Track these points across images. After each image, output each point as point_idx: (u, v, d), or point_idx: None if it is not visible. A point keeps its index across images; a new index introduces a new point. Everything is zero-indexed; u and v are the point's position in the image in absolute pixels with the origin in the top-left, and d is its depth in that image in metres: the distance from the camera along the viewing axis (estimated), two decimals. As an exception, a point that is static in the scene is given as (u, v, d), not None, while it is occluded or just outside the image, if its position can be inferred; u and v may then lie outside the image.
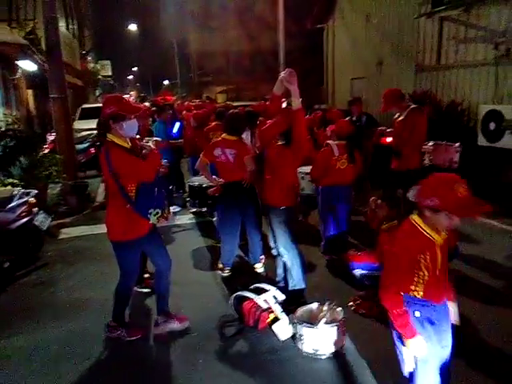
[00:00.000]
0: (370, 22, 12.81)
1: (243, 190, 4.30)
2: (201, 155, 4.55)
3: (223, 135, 4.47)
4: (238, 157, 4.29)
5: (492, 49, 7.90)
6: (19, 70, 11.42)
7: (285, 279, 3.99)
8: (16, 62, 10.42)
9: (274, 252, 4.02)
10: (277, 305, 3.49)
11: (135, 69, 55.78)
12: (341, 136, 4.76)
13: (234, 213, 4.38)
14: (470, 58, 8.69)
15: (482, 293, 4.01)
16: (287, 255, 3.83)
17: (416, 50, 10.51)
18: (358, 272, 3.99)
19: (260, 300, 3.52)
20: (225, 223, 4.52)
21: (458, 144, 4.91)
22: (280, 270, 4.04)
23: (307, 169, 5.20)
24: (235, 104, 11.00)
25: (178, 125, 7.44)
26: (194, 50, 32.29)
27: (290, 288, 3.91)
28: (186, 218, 6.61)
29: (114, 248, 3.33)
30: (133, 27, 36.79)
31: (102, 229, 6.09)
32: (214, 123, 6.33)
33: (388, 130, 5.54)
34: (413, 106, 5.15)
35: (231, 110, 4.76)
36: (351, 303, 3.79)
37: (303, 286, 3.92)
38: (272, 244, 4.01)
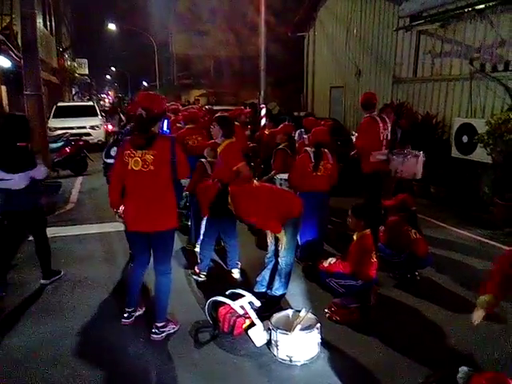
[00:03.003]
0: (350, 32, 13.04)
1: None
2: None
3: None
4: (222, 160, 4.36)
5: (467, 64, 8.15)
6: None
7: (267, 285, 4.01)
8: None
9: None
10: (252, 310, 3.47)
11: (113, 68, 55.04)
12: (312, 143, 4.84)
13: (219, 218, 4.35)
14: (445, 72, 8.95)
15: (453, 301, 4.10)
16: (288, 259, 3.84)
17: (394, 61, 10.76)
18: (330, 281, 4.02)
19: (236, 306, 3.49)
20: (210, 228, 4.51)
21: (421, 155, 5.01)
22: (267, 274, 4.03)
23: (285, 175, 5.24)
24: (215, 108, 10.99)
25: (165, 121, 7.37)
26: (176, 52, 32.12)
27: (274, 291, 3.93)
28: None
29: (167, 237, 3.42)
30: (112, 26, 36.30)
31: (73, 230, 6.06)
32: (186, 127, 6.22)
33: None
34: (366, 114, 5.27)
35: (218, 114, 4.80)
36: (326, 310, 3.81)
37: (285, 291, 3.98)
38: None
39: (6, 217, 4.17)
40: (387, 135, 5.20)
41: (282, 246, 3.74)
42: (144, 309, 3.81)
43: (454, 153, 7.66)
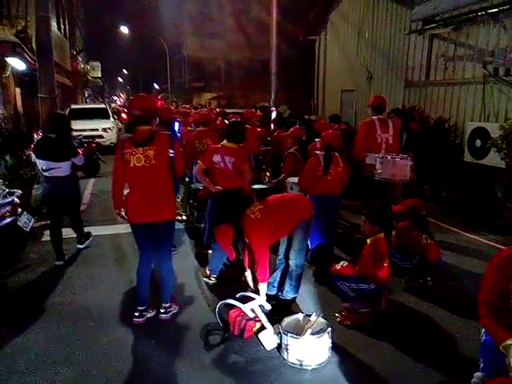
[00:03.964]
0: (361, 35, 13.01)
1: (240, 198, 4.32)
2: (198, 161, 4.56)
3: (223, 142, 4.53)
4: (235, 165, 4.40)
5: (480, 67, 8.08)
6: (8, 68, 11.27)
7: (278, 287, 4.00)
8: (6, 59, 10.29)
9: None
10: (263, 314, 3.47)
11: (125, 71, 55.54)
12: (323, 147, 4.83)
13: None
14: (458, 76, 8.88)
15: (466, 307, 4.03)
16: (299, 261, 3.87)
17: (406, 65, 10.70)
18: (342, 284, 4.00)
19: (246, 309, 3.49)
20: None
21: (408, 158, 4.93)
22: (278, 276, 4.03)
23: (295, 179, 5.23)
24: (227, 111, 11.04)
25: (177, 124, 7.42)
26: (187, 55, 32.31)
27: (285, 294, 3.94)
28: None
29: (170, 226, 3.70)
30: (125, 29, 36.67)
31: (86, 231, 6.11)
32: (197, 130, 6.22)
33: None
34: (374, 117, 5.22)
35: (233, 119, 4.84)
36: (337, 314, 3.80)
37: (297, 294, 3.99)
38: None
39: (50, 201, 4.99)
40: (388, 139, 5.12)
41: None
42: (155, 312, 3.84)
43: (467, 157, 7.58)
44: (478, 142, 7.31)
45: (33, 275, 4.78)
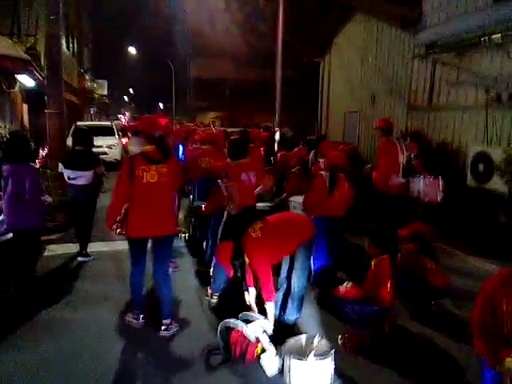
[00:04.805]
0: (365, 59, 13.20)
1: (254, 214, 4.37)
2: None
3: (230, 160, 4.61)
4: (258, 178, 4.61)
5: (483, 93, 8.15)
6: (17, 84, 11.44)
7: (280, 308, 3.96)
8: (15, 75, 10.45)
9: None
10: (265, 335, 3.42)
11: (131, 90, 56.26)
12: (328, 168, 4.85)
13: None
14: (461, 101, 8.96)
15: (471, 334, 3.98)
16: (301, 282, 3.84)
17: (409, 89, 10.82)
18: (345, 306, 3.96)
19: (248, 330, 3.45)
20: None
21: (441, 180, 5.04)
22: (280, 296, 3.98)
23: (299, 198, 5.24)
24: (230, 130, 11.13)
25: (181, 147, 7.55)
26: (192, 75, 32.77)
27: (287, 316, 3.89)
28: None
29: (171, 241, 3.92)
30: (131, 49, 37.31)
31: (88, 247, 6.09)
32: (203, 148, 6.27)
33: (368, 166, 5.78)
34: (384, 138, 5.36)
35: (232, 137, 4.93)
36: (339, 337, 3.75)
37: (298, 315, 3.95)
38: None
39: (75, 205, 5.65)
40: (404, 160, 5.24)
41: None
42: (178, 326, 3.87)
43: (470, 181, 7.59)
44: (481, 167, 7.33)
45: (33, 291, 4.73)
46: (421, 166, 6.22)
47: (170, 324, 3.84)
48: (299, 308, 3.93)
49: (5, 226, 4.56)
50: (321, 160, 6.04)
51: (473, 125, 8.46)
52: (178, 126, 11.95)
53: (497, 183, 6.87)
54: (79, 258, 5.72)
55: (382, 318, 3.81)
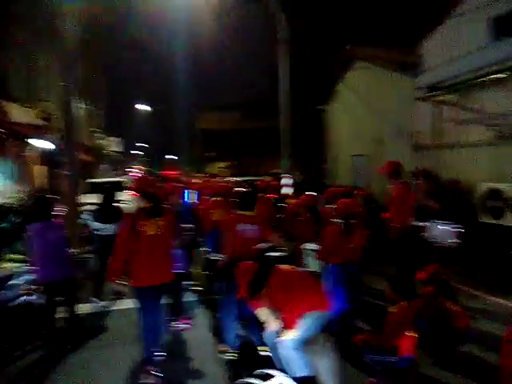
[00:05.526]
0: (368, 103, 13.53)
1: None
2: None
3: (240, 212, 4.62)
4: (260, 231, 4.50)
5: (488, 130, 8.25)
6: (32, 148, 11.88)
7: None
8: (30, 140, 10.88)
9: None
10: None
11: (141, 144, 57.69)
12: (342, 215, 4.84)
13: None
14: (466, 138, 9.06)
15: (498, 378, 3.80)
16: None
17: (414, 129, 10.99)
18: (367, 357, 3.83)
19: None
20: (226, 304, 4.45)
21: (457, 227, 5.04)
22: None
23: (312, 245, 5.21)
24: (239, 179, 11.28)
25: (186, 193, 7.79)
26: (200, 128, 33.65)
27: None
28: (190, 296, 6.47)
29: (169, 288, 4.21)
30: (141, 106, 38.72)
31: (96, 307, 6.04)
32: (212, 200, 6.35)
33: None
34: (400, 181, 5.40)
35: (240, 188, 4.98)
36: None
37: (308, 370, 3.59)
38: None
39: (101, 253, 5.93)
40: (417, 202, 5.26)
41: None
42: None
43: (482, 218, 7.51)
44: (492, 203, 7.29)
45: (43, 356, 4.67)
46: (436, 209, 6.18)
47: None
48: (303, 364, 3.47)
49: (35, 280, 4.86)
50: (329, 206, 6.06)
51: (481, 162, 8.51)
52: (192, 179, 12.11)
53: (510, 219, 6.80)
54: (95, 300, 6.06)
55: (406, 370, 3.66)
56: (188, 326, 5.18)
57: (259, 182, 8.46)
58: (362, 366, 3.91)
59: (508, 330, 2.37)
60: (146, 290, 3.94)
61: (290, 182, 11.78)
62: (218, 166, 29.95)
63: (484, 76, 8.31)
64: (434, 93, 9.80)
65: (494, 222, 7.24)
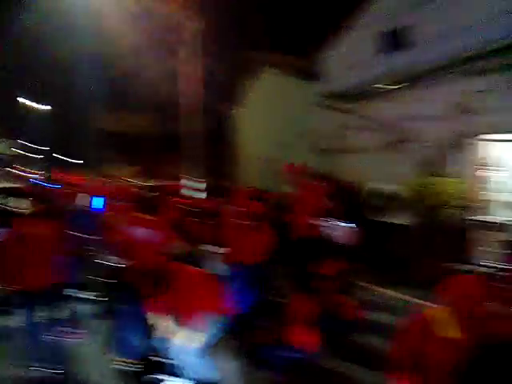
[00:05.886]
0: (274, 107, 14.04)
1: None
2: None
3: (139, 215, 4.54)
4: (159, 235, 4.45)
5: (379, 136, 9.08)
6: None
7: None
8: None
9: None
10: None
11: (39, 146, 53.26)
12: (248, 217, 4.96)
13: None
14: (361, 144, 9.85)
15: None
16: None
17: (315, 134, 11.65)
18: (267, 354, 3.92)
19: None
20: None
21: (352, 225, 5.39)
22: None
23: (217, 248, 5.23)
24: (146, 184, 10.98)
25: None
26: (109, 131, 32.00)
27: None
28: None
29: None
30: (38, 104, 35.80)
31: None
32: (118, 204, 6.13)
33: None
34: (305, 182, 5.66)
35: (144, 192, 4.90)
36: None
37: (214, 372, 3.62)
38: None
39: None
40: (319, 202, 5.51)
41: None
42: None
43: (368, 216, 8.19)
44: (377, 201, 8.01)
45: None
46: (338, 211, 6.53)
47: None
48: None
49: None
50: (236, 208, 6.15)
51: (371, 165, 9.27)
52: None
53: (395, 216, 7.49)
54: None
55: (305, 362, 3.79)
56: (80, 337, 4.84)
57: (167, 187, 8.33)
58: (265, 363, 3.97)
59: (401, 322, 2.59)
60: (19, 294, 3.84)
61: (203, 186, 11.75)
62: (125, 170, 28.78)
63: (370, 88, 9.13)
64: (332, 100, 10.49)
65: (377, 219, 7.93)
